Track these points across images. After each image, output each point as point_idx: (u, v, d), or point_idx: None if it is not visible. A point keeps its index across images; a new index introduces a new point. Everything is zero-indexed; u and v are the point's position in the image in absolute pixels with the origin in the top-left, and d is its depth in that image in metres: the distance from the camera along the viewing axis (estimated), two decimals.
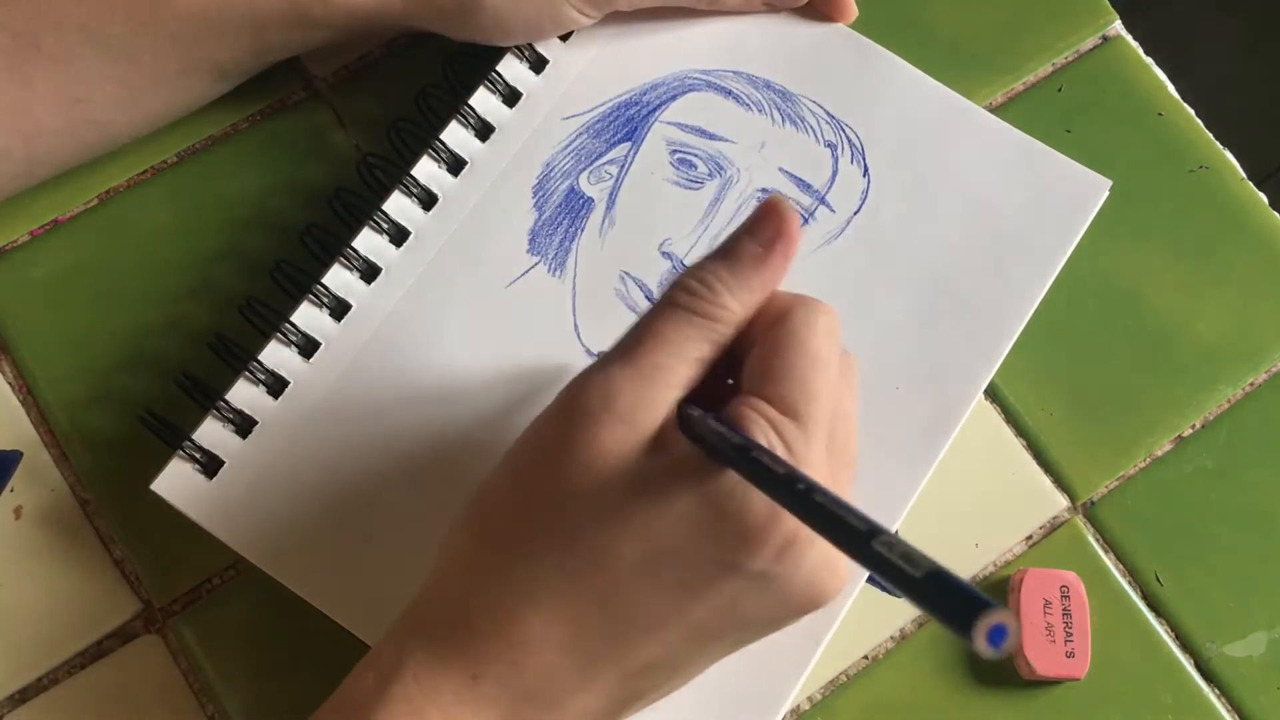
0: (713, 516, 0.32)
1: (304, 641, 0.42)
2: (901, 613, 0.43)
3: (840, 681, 0.43)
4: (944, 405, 0.43)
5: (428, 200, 0.45)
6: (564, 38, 0.48)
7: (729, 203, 0.46)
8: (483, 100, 0.46)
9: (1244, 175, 0.50)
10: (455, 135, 0.46)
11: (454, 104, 0.46)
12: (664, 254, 0.45)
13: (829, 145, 0.47)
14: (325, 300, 0.43)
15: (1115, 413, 0.46)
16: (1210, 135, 0.50)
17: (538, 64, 0.47)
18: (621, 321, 0.44)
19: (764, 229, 0.36)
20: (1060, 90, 0.50)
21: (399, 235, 0.45)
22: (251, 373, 0.42)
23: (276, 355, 0.43)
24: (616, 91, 0.47)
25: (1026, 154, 0.47)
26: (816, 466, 0.33)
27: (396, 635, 0.34)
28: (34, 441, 0.44)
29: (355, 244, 0.44)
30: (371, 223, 0.44)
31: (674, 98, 0.47)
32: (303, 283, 0.44)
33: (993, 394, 0.46)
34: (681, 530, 0.32)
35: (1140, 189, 0.49)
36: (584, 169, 0.46)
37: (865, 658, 0.43)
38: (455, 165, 0.46)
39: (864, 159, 0.47)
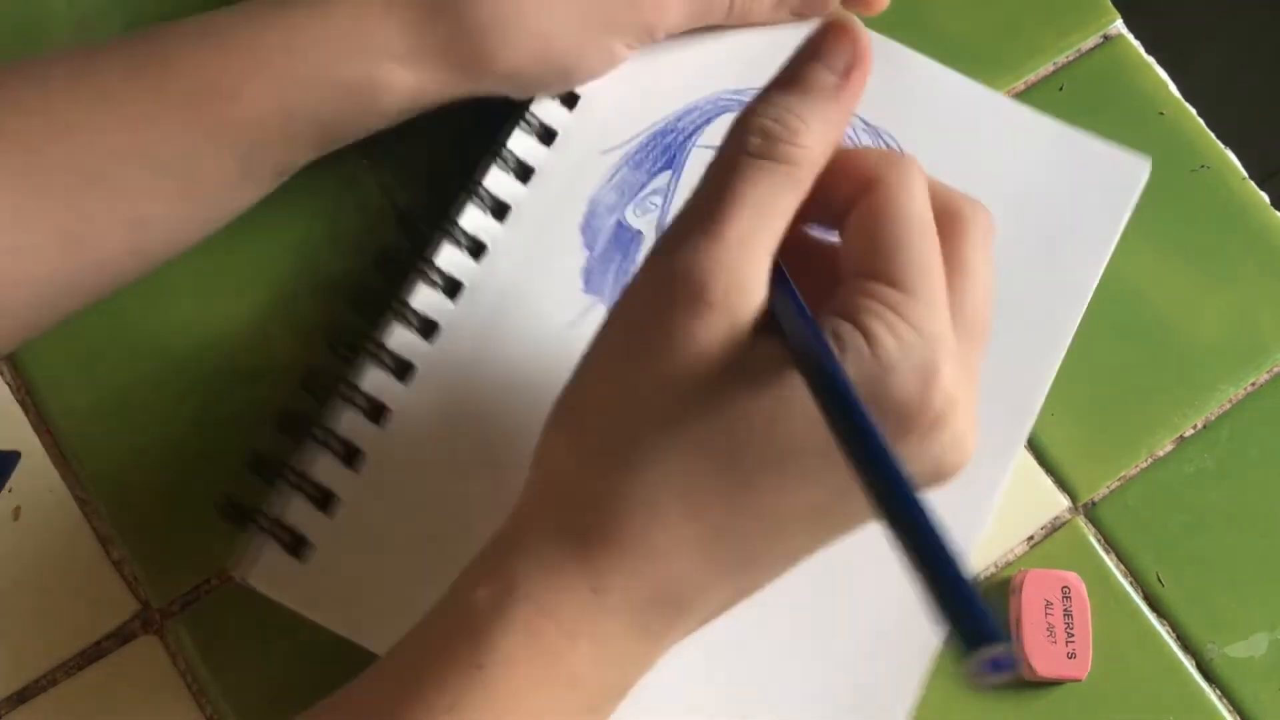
0: None
1: (302, 642, 0.42)
2: None
3: None
4: (1009, 416, 0.42)
5: (476, 249, 0.44)
6: None
7: None
8: (520, 142, 0.45)
9: (1245, 175, 0.50)
10: (496, 180, 0.44)
11: (489, 146, 0.45)
12: None
13: None
14: (387, 361, 0.42)
15: (1116, 413, 0.46)
16: (1212, 135, 0.50)
17: (569, 100, 0.46)
18: None
19: (838, 52, 0.31)
20: (1061, 90, 0.50)
21: (451, 288, 0.43)
22: (321, 440, 0.41)
23: (350, 421, 0.41)
24: (651, 120, 0.46)
25: (1062, 140, 0.46)
26: (944, 340, 0.30)
27: (500, 557, 0.33)
28: (33, 442, 0.44)
29: (410, 300, 0.42)
30: (423, 276, 0.43)
31: (709, 121, 0.46)
32: (357, 345, 0.42)
33: None
34: (807, 421, 0.29)
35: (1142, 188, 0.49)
36: (629, 202, 0.45)
37: None
38: (499, 210, 0.44)
39: None
